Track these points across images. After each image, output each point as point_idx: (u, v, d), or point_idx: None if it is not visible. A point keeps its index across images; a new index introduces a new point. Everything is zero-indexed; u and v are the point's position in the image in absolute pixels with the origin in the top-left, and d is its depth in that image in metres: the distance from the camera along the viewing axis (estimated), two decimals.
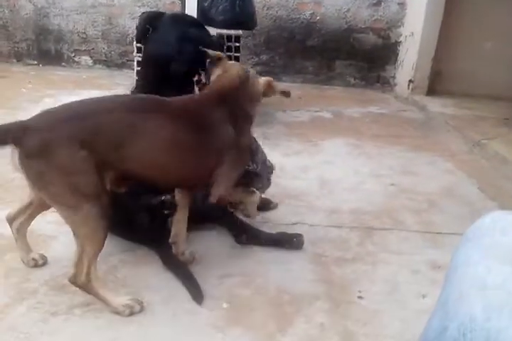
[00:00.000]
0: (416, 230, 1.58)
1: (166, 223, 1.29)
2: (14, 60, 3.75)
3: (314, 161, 2.14)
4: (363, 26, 3.61)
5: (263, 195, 1.56)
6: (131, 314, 1.08)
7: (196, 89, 1.44)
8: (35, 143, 0.94)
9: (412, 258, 1.39)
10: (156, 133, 1.05)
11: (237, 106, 1.18)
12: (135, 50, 2.42)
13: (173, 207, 1.26)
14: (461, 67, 3.38)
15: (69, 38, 3.70)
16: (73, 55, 3.76)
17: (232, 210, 1.42)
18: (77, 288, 1.07)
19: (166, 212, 1.30)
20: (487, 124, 2.75)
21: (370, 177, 2.00)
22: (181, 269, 1.23)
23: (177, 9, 3.20)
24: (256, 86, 1.24)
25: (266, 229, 1.46)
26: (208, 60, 1.24)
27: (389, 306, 1.17)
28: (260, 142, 1.56)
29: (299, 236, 1.39)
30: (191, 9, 2.47)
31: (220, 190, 1.15)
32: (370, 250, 1.43)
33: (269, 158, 1.58)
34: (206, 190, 1.17)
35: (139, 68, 2.20)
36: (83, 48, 3.73)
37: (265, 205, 1.61)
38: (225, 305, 1.14)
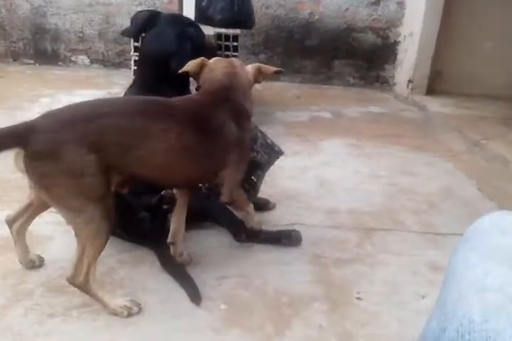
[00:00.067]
0: (415, 231, 1.57)
1: (165, 223, 1.28)
2: (11, 60, 3.74)
3: (313, 161, 2.14)
4: (361, 26, 3.61)
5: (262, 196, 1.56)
6: (129, 315, 1.07)
7: (192, 87, 1.43)
8: (42, 144, 0.93)
9: (411, 259, 1.39)
10: (164, 135, 1.04)
11: (236, 103, 1.18)
12: (132, 49, 2.41)
13: (172, 201, 1.25)
14: (460, 67, 3.38)
15: (66, 37, 3.68)
16: (70, 54, 3.74)
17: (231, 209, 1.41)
18: (75, 290, 1.06)
19: (165, 207, 1.29)
20: (487, 124, 2.75)
21: (369, 178, 1.99)
22: (179, 270, 1.22)
23: (175, 8, 3.18)
24: (245, 76, 1.22)
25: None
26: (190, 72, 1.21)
27: (388, 307, 1.17)
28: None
29: (296, 231, 1.41)
30: (189, 8, 2.46)
31: (230, 189, 1.17)
32: (369, 251, 1.42)
33: None
34: (216, 190, 1.18)
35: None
36: (80, 47, 3.71)
37: (263, 205, 1.60)
38: (222, 307, 1.13)
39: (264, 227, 1.40)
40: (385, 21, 3.60)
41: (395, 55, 3.67)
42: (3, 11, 3.62)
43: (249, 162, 1.26)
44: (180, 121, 1.07)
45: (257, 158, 1.40)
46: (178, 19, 1.63)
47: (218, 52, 2.42)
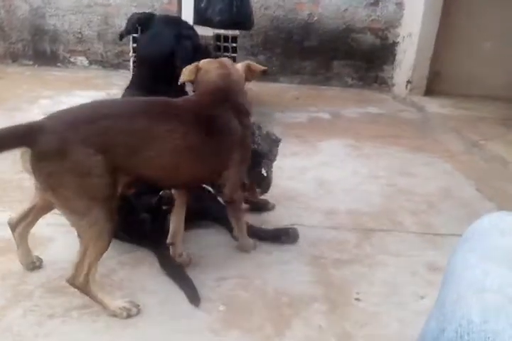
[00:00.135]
0: (414, 231, 1.57)
1: (165, 224, 1.29)
2: (10, 61, 3.73)
3: (312, 162, 2.14)
4: (360, 26, 3.61)
5: (261, 197, 1.56)
6: (128, 317, 1.07)
7: (188, 88, 1.44)
8: (50, 144, 0.93)
9: (410, 260, 1.39)
10: (171, 135, 1.05)
11: (235, 101, 1.20)
12: (131, 50, 2.41)
13: (170, 202, 1.26)
14: (459, 68, 3.39)
15: (65, 38, 3.68)
16: (69, 55, 3.74)
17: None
18: (74, 291, 1.06)
19: (164, 207, 1.29)
20: (485, 125, 2.76)
21: (368, 178, 2.00)
22: (178, 271, 1.22)
23: (174, 9, 3.19)
24: (238, 75, 1.24)
25: None
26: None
27: (387, 308, 1.17)
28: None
29: (293, 229, 1.44)
30: (188, 9, 2.47)
31: (231, 189, 1.19)
32: (368, 251, 1.43)
33: None
34: (218, 191, 1.19)
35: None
36: (79, 49, 3.71)
37: (263, 206, 1.61)
38: (222, 308, 1.13)
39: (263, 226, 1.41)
40: (383, 22, 3.61)
41: (394, 55, 3.68)
42: (2, 12, 3.62)
43: (252, 154, 1.27)
44: (186, 121, 1.09)
45: (259, 149, 1.40)
46: (173, 20, 1.64)
47: (218, 53, 2.42)
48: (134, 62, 2.37)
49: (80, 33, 3.67)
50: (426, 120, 3.00)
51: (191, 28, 1.64)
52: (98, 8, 3.60)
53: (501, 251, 0.60)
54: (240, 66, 1.27)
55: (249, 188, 1.43)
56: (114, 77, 3.38)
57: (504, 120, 2.87)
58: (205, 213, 1.43)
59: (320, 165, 2.11)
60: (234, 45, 2.46)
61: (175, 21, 1.64)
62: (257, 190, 1.45)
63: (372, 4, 3.56)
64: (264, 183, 1.46)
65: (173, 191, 1.26)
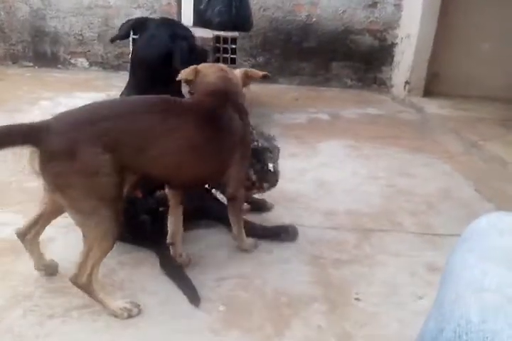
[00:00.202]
0: (413, 232, 1.58)
1: (164, 225, 1.29)
2: (10, 62, 3.74)
3: (311, 163, 2.14)
4: (359, 28, 3.63)
5: (258, 196, 1.57)
6: (129, 317, 1.07)
7: (184, 90, 1.45)
8: (58, 144, 0.94)
9: (409, 260, 1.39)
10: (179, 131, 1.07)
11: (235, 101, 1.23)
12: (131, 52, 2.42)
13: (165, 203, 1.27)
14: (457, 69, 3.40)
15: (65, 39, 3.69)
16: (69, 57, 3.75)
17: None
18: (75, 291, 1.07)
19: (161, 209, 1.30)
20: (484, 126, 2.77)
21: (367, 179, 2.00)
22: (177, 272, 1.22)
23: (173, 11, 3.20)
24: (235, 79, 1.27)
25: None
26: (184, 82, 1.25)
27: (386, 308, 1.17)
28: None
29: (292, 226, 1.45)
30: (187, 11, 2.48)
31: (235, 186, 1.22)
32: (367, 252, 1.43)
33: None
34: (221, 189, 1.21)
35: None
36: (79, 50, 3.72)
37: (261, 206, 1.61)
38: (222, 308, 1.13)
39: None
40: (382, 23, 3.62)
41: (392, 56, 3.69)
42: (2, 13, 3.63)
43: (254, 151, 1.30)
44: (193, 119, 1.11)
45: (259, 146, 1.42)
46: (168, 22, 1.65)
47: (217, 55, 2.43)
48: (130, 63, 2.38)
49: (80, 34, 3.68)
50: (425, 121, 3.00)
51: (187, 29, 1.65)
52: (98, 9, 3.61)
53: (500, 251, 0.60)
54: (237, 72, 1.30)
55: (257, 185, 1.44)
56: (114, 79, 3.39)
57: (503, 121, 2.88)
58: (207, 212, 1.43)
59: (319, 166, 2.12)
60: (233, 46, 2.46)
61: (170, 23, 1.65)
62: (265, 185, 1.45)
63: (370, 6, 3.57)
64: (271, 177, 1.46)
65: (167, 191, 1.26)
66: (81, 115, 1.02)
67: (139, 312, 1.09)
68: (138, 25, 1.59)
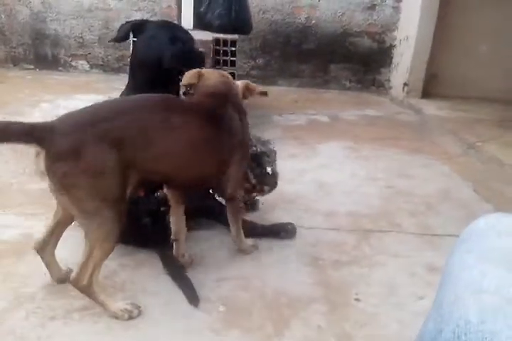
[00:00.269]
0: (413, 232, 1.59)
1: (164, 225, 1.30)
2: (11, 65, 3.75)
3: (311, 164, 2.15)
4: (357, 30, 3.65)
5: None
6: (130, 318, 1.08)
7: (182, 91, 1.47)
8: (64, 145, 0.95)
9: (408, 261, 1.40)
10: (182, 130, 1.10)
11: (235, 103, 1.27)
12: (131, 54, 2.42)
13: (166, 203, 1.28)
14: (455, 70, 3.41)
15: (66, 42, 3.71)
16: (70, 59, 3.76)
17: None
18: (75, 292, 1.07)
19: (162, 209, 1.31)
20: (482, 127, 2.78)
21: (366, 180, 2.01)
22: (178, 272, 1.23)
23: (174, 13, 3.22)
24: (236, 87, 1.32)
25: None
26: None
27: (386, 308, 1.18)
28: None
29: (291, 224, 1.48)
30: (187, 14, 2.49)
31: (234, 186, 1.24)
32: (367, 252, 1.44)
33: None
34: (220, 189, 1.24)
35: None
36: (80, 53, 3.74)
37: (252, 205, 1.62)
38: (222, 308, 1.14)
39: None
40: (380, 26, 3.64)
41: (391, 58, 3.71)
42: (2, 16, 3.65)
43: (252, 156, 1.33)
44: (194, 118, 1.13)
45: (257, 150, 1.46)
46: (167, 24, 1.66)
47: (217, 57, 2.44)
48: (130, 65, 2.39)
49: (80, 37, 3.70)
50: (423, 122, 3.02)
51: (186, 31, 1.66)
52: (99, 12, 3.62)
53: (498, 252, 0.60)
54: (239, 83, 1.35)
55: (258, 188, 1.47)
56: (114, 81, 3.39)
57: (501, 122, 2.89)
58: (207, 212, 1.44)
59: (319, 167, 2.13)
60: (233, 48, 2.48)
61: (169, 25, 1.66)
62: (266, 188, 1.47)
63: (369, 8, 3.59)
64: (271, 180, 1.49)
65: (165, 191, 1.27)
66: (85, 116, 1.03)
67: (140, 314, 1.10)
68: (137, 28, 1.60)
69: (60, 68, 3.76)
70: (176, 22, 2.30)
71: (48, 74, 3.62)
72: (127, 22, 1.69)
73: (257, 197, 1.56)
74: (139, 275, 1.25)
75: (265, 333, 1.07)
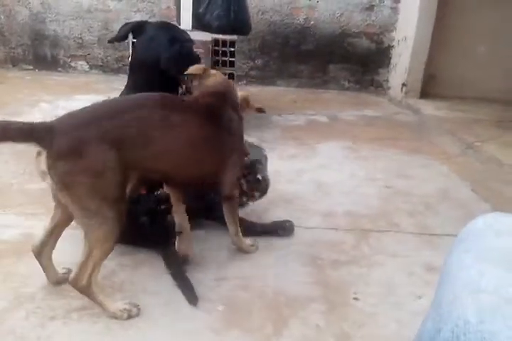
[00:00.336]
0: (411, 232, 1.59)
1: (164, 224, 1.31)
2: (10, 65, 3.75)
3: (310, 164, 2.16)
4: (356, 31, 3.66)
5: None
6: (129, 318, 1.08)
7: (180, 90, 1.48)
8: (65, 143, 0.95)
9: (407, 260, 1.41)
10: (182, 128, 1.11)
11: (234, 102, 1.29)
12: (131, 55, 2.43)
13: (167, 200, 1.29)
14: (453, 71, 3.42)
15: (65, 43, 3.71)
16: (69, 60, 3.76)
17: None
18: (75, 293, 1.07)
19: (163, 207, 1.32)
20: (481, 127, 2.78)
21: (365, 180, 2.02)
22: (178, 271, 1.24)
23: (172, 14, 3.22)
24: (236, 93, 1.35)
25: None
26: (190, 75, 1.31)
27: (384, 308, 1.19)
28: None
29: (289, 222, 1.49)
30: (186, 15, 2.49)
31: (230, 184, 1.24)
32: (365, 252, 1.44)
33: None
34: (216, 187, 1.25)
35: None
36: (79, 53, 3.74)
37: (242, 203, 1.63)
38: (221, 308, 1.14)
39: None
40: (378, 26, 3.65)
41: (389, 59, 3.72)
42: (2, 17, 3.65)
43: (246, 164, 1.34)
44: (194, 116, 1.15)
45: (249, 158, 1.47)
46: (167, 25, 1.67)
47: (216, 58, 2.45)
48: (129, 66, 2.40)
49: (80, 38, 3.70)
50: (422, 122, 3.02)
51: (185, 32, 1.67)
52: (98, 13, 3.63)
53: (496, 252, 0.61)
54: (240, 92, 1.37)
55: (249, 194, 1.49)
56: (114, 82, 3.40)
57: (499, 122, 2.90)
58: (206, 212, 1.45)
59: (318, 167, 2.13)
60: (232, 49, 2.48)
61: (169, 26, 1.67)
62: (256, 194, 1.49)
63: (367, 9, 3.60)
64: (262, 187, 1.51)
65: (166, 189, 1.28)
66: (85, 115, 1.04)
67: (139, 312, 1.10)
68: (137, 29, 1.61)
69: (60, 69, 3.76)
70: (175, 23, 2.31)
71: (48, 74, 3.62)
72: (127, 23, 1.69)
73: (248, 203, 1.56)
74: (138, 275, 1.25)
75: (264, 333, 1.08)
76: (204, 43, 2.32)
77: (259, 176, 1.48)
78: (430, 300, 0.65)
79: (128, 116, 1.04)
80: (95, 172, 0.97)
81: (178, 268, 1.25)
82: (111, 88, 3.23)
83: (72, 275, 1.05)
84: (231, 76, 2.48)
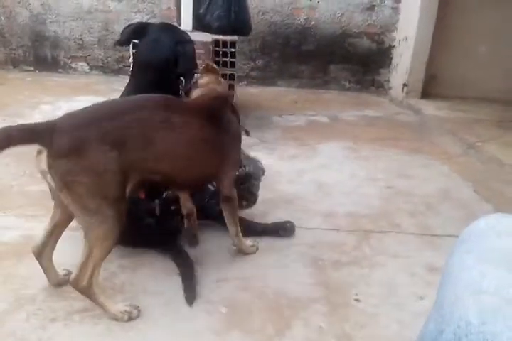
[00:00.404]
0: (412, 233, 1.59)
1: (173, 224, 1.32)
2: (11, 67, 3.76)
3: (311, 165, 2.16)
4: (357, 31, 3.65)
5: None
6: (130, 319, 1.08)
7: (181, 91, 1.49)
8: (66, 142, 0.95)
9: (408, 261, 1.40)
10: (182, 129, 1.11)
11: (234, 107, 1.32)
12: (131, 56, 2.43)
13: (177, 200, 1.31)
14: (454, 71, 3.42)
15: (65, 44, 3.71)
16: (70, 61, 3.77)
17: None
18: (75, 294, 1.07)
19: (172, 207, 1.33)
20: (482, 127, 2.78)
21: (366, 181, 2.01)
22: (188, 270, 1.24)
23: (173, 15, 3.22)
24: (232, 100, 1.42)
25: None
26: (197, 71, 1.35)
27: (386, 309, 1.18)
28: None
29: (289, 222, 1.50)
30: (187, 15, 2.49)
31: (229, 184, 1.26)
32: (366, 253, 1.44)
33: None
34: (215, 187, 1.28)
35: None
36: (80, 54, 3.74)
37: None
38: (223, 310, 1.14)
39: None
40: (379, 26, 3.65)
41: (390, 59, 3.71)
42: (2, 18, 3.65)
43: (241, 175, 1.38)
44: (194, 117, 1.16)
45: (247, 169, 1.49)
46: (169, 27, 1.67)
47: (216, 59, 2.45)
48: (132, 67, 2.40)
49: (80, 39, 3.70)
50: (423, 122, 3.02)
51: (186, 34, 1.68)
52: (98, 14, 3.63)
53: (498, 253, 0.61)
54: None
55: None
56: (114, 83, 3.40)
57: (500, 122, 2.90)
58: (207, 213, 1.45)
59: (318, 167, 2.13)
60: (232, 50, 2.48)
61: (171, 28, 1.68)
62: (244, 203, 1.51)
63: (368, 9, 3.60)
64: (251, 199, 1.52)
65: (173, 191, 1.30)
66: (86, 115, 1.04)
67: (139, 314, 1.10)
68: (139, 30, 1.61)
69: (60, 70, 3.77)
70: (175, 24, 2.31)
71: (48, 75, 3.63)
72: (128, 25, 1.70)
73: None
74: (139, 277, 1.25)
75: (266, 334, 1.07)
76: (204, 44, 2.32)
77: (252, 190, 1.50)
78: (432, 301, 0.64)
79: (128, 117, 1.04)
80: (95, 171, 0.97)
81: (190, 268, 1.25)
82: (111, 89, 3.23)
83: (72, 276, 1.05)
84: (232, 77, 2.48)
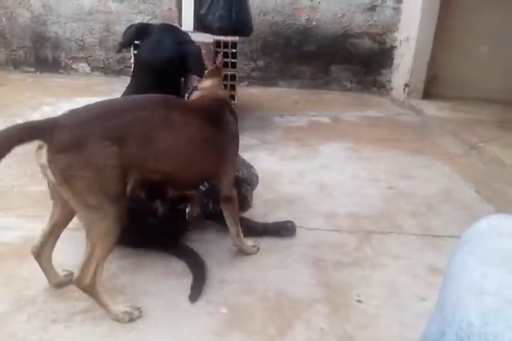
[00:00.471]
0: (414, 233, 1.58)
1: (178, 224, 1.33)
2: (12, 68, 3.77)
3: (312, 165, 2.15)
4: (358, 31, 3.65)
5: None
6: (131, 320, 1.08)
7: (182, 92, 1.49)
8: (66, 137, 0.96)
9: (410, 262, 1.40)
10: (182, 129, 1.12)
11: (233, 108, 1.33)
12: (132, 57, 2.43)
13: (184, 199, 1.33)
14: (456, 71, 3.42)
15: (66, 45, 3.72)
16: (71, 62, 3.77)
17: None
18: (77, 295, 1.08)
19: (179, 207, 1.34)
20: (483, 127, 2.78)
21: (368, 181, 2.01)
22: (200, 268, 1.25)
23: (174, 16, 3.23)
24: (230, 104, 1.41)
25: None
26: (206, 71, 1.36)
27: (388, 310, 1.18)
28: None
29: (290, 222, 1.50)
30: (188, 16, 2.50)
31: (229, 184, 1.26)
32: (368, 254, 1.44)
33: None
34: (216, 186, 1.28)
35: None
36: (81, 55, 3.75)
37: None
38: (224, 310, 1.14)
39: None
40: (381, 27, 3.65)
41: (392, 59, 3.71)
42: (3, 19, 3.66)
43: (236, 179, 1.37)
44: (194, 117, 1.16)
45: (240, 174, 1.49)
46: (171, 28, 1.68)
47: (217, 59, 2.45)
48: (133, 67, 2.40)
49: (81, 40, 3.71)
50: (424, 123, 3.02)
51: (188, 35, 1.69)
52: (99, 15, 3.64)
53: (500, 254, 0.60)
54: None
55: None
56: (115, 84, 3.41)
57: (501, 122, 2.89)
58: (207, 213, 1.45)
59: (320, 168, 2.13)
60: (233, 50, 2.48)
61: (173, 28, 1.68)
62: None
63: (369, 9, 3.60)
64: (245, 205, 1.52)
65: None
66: (88, 111, 1.05)
67: (140, 315, 1.10)
68: (140, 31, 1.62)
69: (61, 71, 3.77)
70: (176, 24, 2.31)
71: (49, 76, 3.63)
72: (130, 26, 1.70)
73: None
74: (140, 278, 1.25)
75: (267, 335, 1.07)
76: (206, 45, 2.32)
77: (245, 194, 1.50)
78: (434, 302, 0.64)
79: (129, 116, 1.05)
80: (95, 166, 0.97)
81: (201, 267, 1.26)
82: (112, 90, 3.24)
83: (75, 274, 1.04)
84: (233, 77, 2.48)
